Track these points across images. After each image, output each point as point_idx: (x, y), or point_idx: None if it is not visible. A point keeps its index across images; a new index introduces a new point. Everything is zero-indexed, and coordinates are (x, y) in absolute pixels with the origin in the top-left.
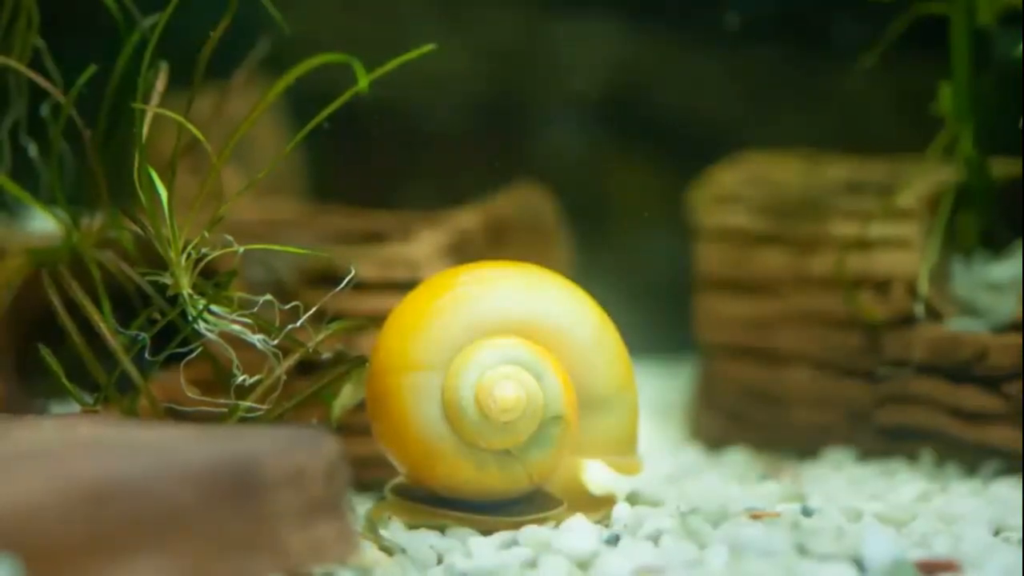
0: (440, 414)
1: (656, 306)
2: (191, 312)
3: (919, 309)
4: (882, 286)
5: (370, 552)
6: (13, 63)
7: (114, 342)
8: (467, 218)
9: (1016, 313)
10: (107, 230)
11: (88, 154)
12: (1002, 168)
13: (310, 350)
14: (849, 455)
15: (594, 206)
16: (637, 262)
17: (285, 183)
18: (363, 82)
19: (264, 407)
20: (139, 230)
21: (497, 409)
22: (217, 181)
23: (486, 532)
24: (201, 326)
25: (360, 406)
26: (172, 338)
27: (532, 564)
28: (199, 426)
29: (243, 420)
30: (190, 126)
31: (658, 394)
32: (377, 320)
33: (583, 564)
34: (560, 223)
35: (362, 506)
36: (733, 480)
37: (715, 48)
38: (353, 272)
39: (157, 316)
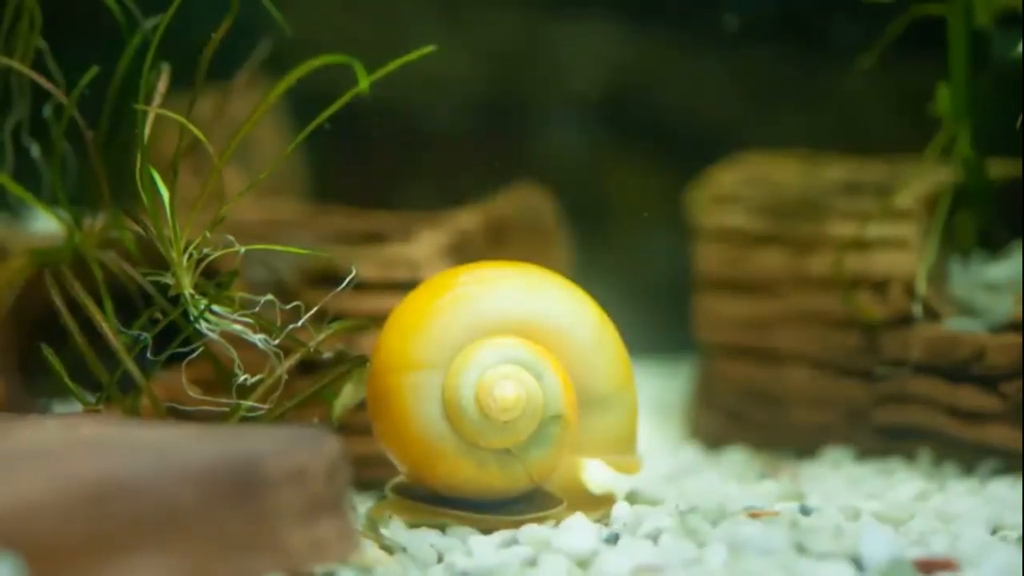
0: (440, 413)
1: (656, 306)
2: (193, 312)
3: (917, 309)
4: (880, 286)
5: (371, 551)
6: (16, 64)
7: (116, 342)
8: (467, 218)
9: (1014, 313)
10: (109, 230)
11: (90, 155)
12: (1000, 168)
13: (311, 350)
14: (847, 454)
15: (594, 206)
16: (637, 262)
17: (286, 184)
18: (363, 83)
19: (265, 406)
20: (141, 230)
21: (497, 408)
22: (218, 182)
23: (486, 531)
24: (203, 326)
25: (361, 405)
26: (174, 338)
27: (532, 563)
28: (201, 426)
29: (244, 419)
30: (192, 127)
31: (657, 393)
32: (378, 320)
33: (583, 563)
34: (560, 223)
35: (363, 505)
36: (732, 479)
37: (714, 49)
38: (354, 272)
39: (159, 316)
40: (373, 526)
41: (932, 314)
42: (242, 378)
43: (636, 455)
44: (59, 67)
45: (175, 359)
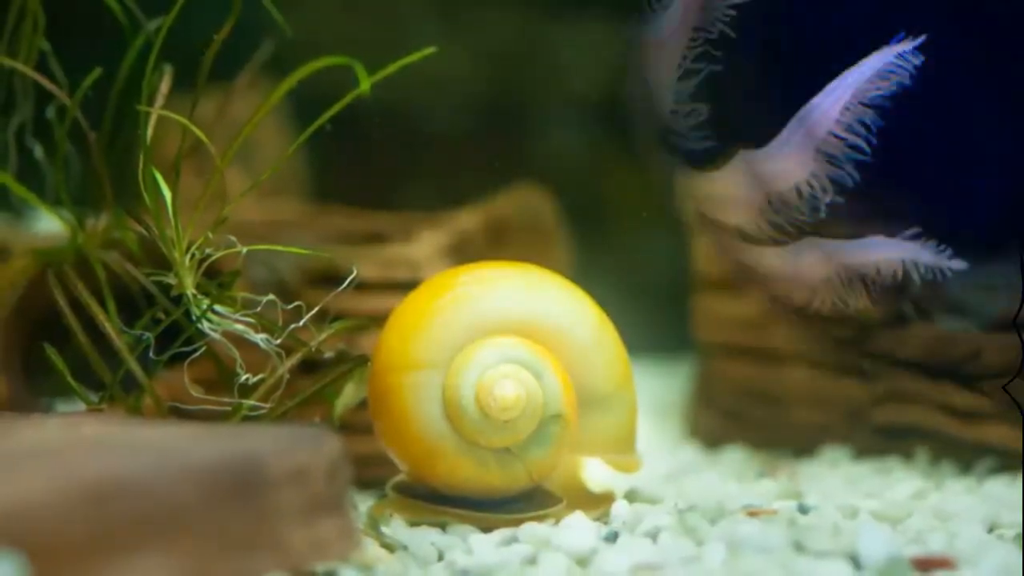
0: (441, 412)
1: (655, 306)
2: (195, 312)
3: (912, 308)
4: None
5: (372, 549)
6: (19, 66)
7: (119, 341)
8: (467, 219)
9: (1010, 312)
10: (112, 231)
11: (93, 156)
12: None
13: (312, 349)
14: (845, 453)
15: (594, 206)
16: (636, 262)
17: (287, 184)
18: (364, 84)
19: (267, 406)
20: (144, 231)
21: (497, 408)
22: (220, 182)
23: (486, 529)
24: (205, 326)
25: (362, 405)
26: (176, 337)
27: (532, 561)
28: (202, 425)
29: (246, 419)
30: (194, 128)
31: (657, 393)
32: (378, 320)
33: (582, 561)
34: (560, 223)
35: (364, 504)
36: (731, 478)
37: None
38: (355, 272)
39: (161, 316)
40: (374, 524)
41: (927, 314)
42: (244, 377)
43: (635, 454)
44: (62, 68)
45: (177, 359)
